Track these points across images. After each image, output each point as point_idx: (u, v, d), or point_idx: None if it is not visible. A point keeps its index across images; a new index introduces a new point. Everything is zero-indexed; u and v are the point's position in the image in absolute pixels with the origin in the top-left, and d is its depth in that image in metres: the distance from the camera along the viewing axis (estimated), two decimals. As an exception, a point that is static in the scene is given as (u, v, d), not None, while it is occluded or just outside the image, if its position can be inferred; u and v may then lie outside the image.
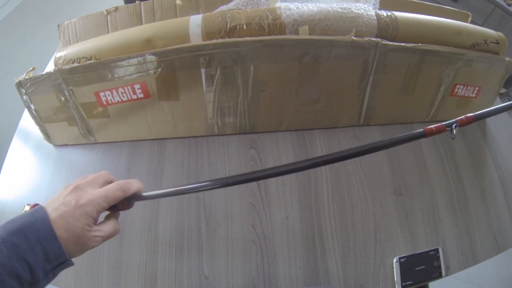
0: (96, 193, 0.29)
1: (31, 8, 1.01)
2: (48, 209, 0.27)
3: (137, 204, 0.50)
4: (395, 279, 0.47)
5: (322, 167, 0.54)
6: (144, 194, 0.33)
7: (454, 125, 0.33)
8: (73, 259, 0.28)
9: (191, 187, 0.32)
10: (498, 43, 0.60)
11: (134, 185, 0.32)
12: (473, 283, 1.09)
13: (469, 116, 0.34)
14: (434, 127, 0.32)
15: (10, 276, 0.24)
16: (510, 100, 1.59)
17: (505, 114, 0.74)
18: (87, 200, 0.28)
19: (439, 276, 0.48)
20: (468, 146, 0.61)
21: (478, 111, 0.69)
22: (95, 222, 0.29)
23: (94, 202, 0.28)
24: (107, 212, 0.32)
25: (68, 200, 0.28)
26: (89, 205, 0.28)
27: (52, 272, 0.26)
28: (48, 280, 0.27)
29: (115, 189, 0.30)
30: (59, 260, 0.26)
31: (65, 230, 0.26)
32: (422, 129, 0.32)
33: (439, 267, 0.49)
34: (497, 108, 0.36)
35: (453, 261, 0.50)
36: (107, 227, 0.30)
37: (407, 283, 0.47)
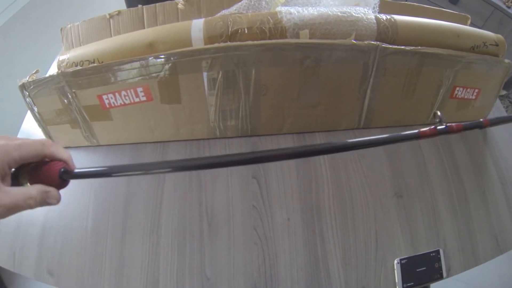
0: (9, 142, 0.24)
1: (33, 11, 1.02)
2: None
3: (139, 205, 0.51)
4: (396, 280, 0.47)
5: (323, 169, 0.55)
6: (77, 170, 0.28)
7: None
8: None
9: (134, 167, 0.29)
10: (497, 45, 0.60)
11: (60, 148, 0.27)
12: (474, 285, 1.09)
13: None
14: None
15: None
16: (510, 102, 1.59)
17: (505, 114, 0.74)
18: None
19: (440, 277, 0.49)
20: (468, 147, 0.61)
21: (478, 113, 0.70)
22: (2, 178, 0.24)
23: (2, 147, 0.23)
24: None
25: None
26: None
27: None
28: None
29: (33, 140, 0.25)
30: None
31: None
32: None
33: (440, 268, 0.49)
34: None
35: (454, 262, 0.50)
36: (18, 191, 0.24)
37: (408, 284, 0.47)
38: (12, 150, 0.24)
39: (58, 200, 0.27)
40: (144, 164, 0.29)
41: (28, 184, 0.26)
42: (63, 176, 0.27)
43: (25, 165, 0.27)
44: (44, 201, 0.26)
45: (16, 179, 0.27)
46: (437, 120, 0.35)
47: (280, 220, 0.50)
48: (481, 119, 0.40)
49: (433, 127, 0.34)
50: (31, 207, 0.25)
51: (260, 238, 0.49)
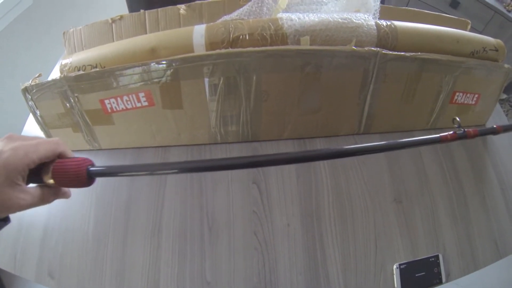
0: (25, 142, 0.25)
1: (36, 13, 1.02)
2: None
3: (140, 208, 0.52)
4: (395, 285, 0.47)
5: (323, 174, 0.55)
6: (102, 167, 0.28)
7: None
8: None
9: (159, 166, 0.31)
10: (497, 50, 0.60)
11: (68, 148, 0.28)
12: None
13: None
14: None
15: None
16: (510, 106, 1.59)
17: (505, 119, 0.74)
18: (12, 147, 0.24)
19: (440, 282, 0.49)
20: (468, 152, 0.62)
21: (478, 118, 0.70)
22: (23, 179, 0.25)
23: (20, 149, 0.24)
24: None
25: None
26: (14, 155, 0.23)
27: None
28: None
29: (48, 139, 0.26)
30: None
31: None
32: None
33: (439, 273, 0.49)
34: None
35: (453, 267, 0.50)
36: (36, 192, 0.26)
37: (408, 289, 0.47)
38: (31, 152, 0.24)
39: (69, 194, 0.30)
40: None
41: (51, 181, 0.27)
42: (91, 173, 0.27)
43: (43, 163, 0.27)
44: (57, 198, 0.29)
45: (38, 176, 0.27)
46: (456, 126, 0.36)
47: (280, 226, 0.50)
48: (494, 126, 0.41)
49: (452, 132, 0.35)
50: (40, 204, 0.27)
51: (260, 243, 0.49)
